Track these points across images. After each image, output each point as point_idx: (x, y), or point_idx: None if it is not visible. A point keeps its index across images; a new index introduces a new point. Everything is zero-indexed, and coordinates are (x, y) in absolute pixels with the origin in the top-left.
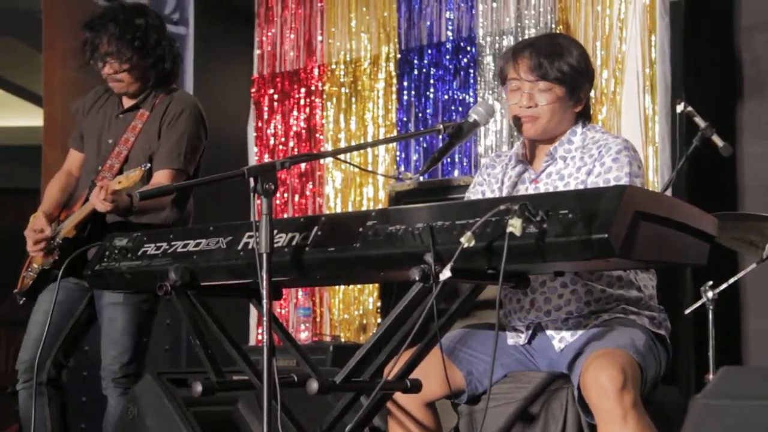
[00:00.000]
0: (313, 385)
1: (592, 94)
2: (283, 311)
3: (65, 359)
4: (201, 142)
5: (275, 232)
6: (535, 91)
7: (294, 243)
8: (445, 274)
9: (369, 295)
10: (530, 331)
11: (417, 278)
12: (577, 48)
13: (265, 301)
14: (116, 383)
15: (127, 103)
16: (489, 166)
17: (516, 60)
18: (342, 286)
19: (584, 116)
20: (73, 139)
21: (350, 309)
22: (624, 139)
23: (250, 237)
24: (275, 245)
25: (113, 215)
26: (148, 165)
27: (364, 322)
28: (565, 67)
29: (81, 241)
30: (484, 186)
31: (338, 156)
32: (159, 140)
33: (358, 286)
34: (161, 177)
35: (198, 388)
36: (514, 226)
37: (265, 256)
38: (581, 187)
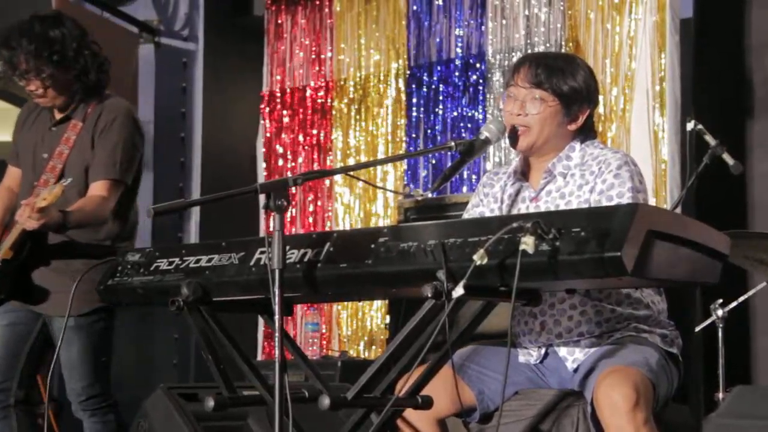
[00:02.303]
0: (325, 401)
1: (601, 110)
2: (298, 326)
3: (29, 379)
4: (137, 150)
5: (287, 248)
6: (528, 99)
7: (306, 259)
8: (458, 291)
9: (377, 311)
10: (542, 351)
11: (429, 295)
12: (584, 71)
13: (277, 317)
14: (83, 406)
15: (59, 114)
16: (486, 185)
17: (518, 69)
18: (350, 302)
19: (584, 135)
20: (10, 155)
21: (358, 324)
22: (623, 153)
23: (262, 253)
24: (287, 261)
25: (54, 233)
26: (69, 180)
27: (372, 337)
28: (564, 86)
29: (21, 261)
30: (481, 207)
31: (349, 173)
32: (93, 150)
33: (367, 301)
34: (97, 189)
35: (210, 403)
36: (527, 243)
37: (277, 272)
38: (584, 205)
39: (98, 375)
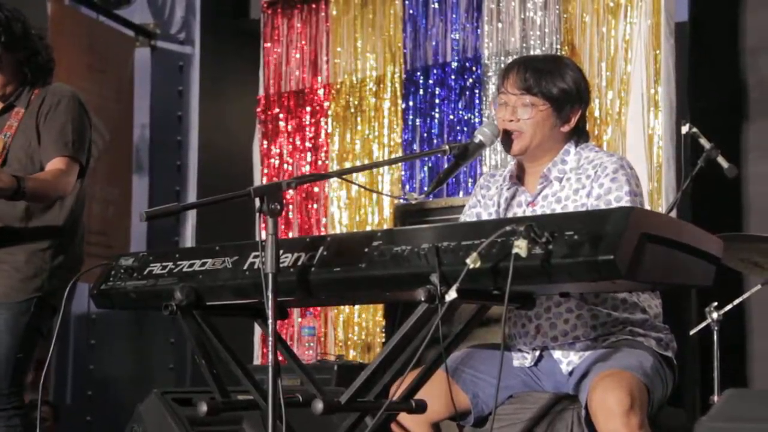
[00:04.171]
0: (318, 405)
1: (596, 114)
2: (295, 330)
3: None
4: (87, 130)
5: (281, 251)
6: (519, 105)
7: (300, 263)
8: (451, 294)
9: (373, 315)
10: (537, 354)
11: (423, 299)
12: (573, 71)
13: (270, 321)
14: None
15: (1, 104)
16: (483, 187)
17: (507, 75)
18: (346, 306)
19: (577, 136)
20: None
21: (354, 328)
22: (619, 157)
23: (255, 257)
24: (281, 265)
25: (8, 200)
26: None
27: (369, 341)
28: (554, 88)
29: None
30: (479, 208)
31: (344, 176)
32: (38, 136)
33: (363, 305)
34: (55, 164)
35: (203, 407)
36: (520, 247)
37: (270, 276)
38: (581, 209)
39: (8, 370)
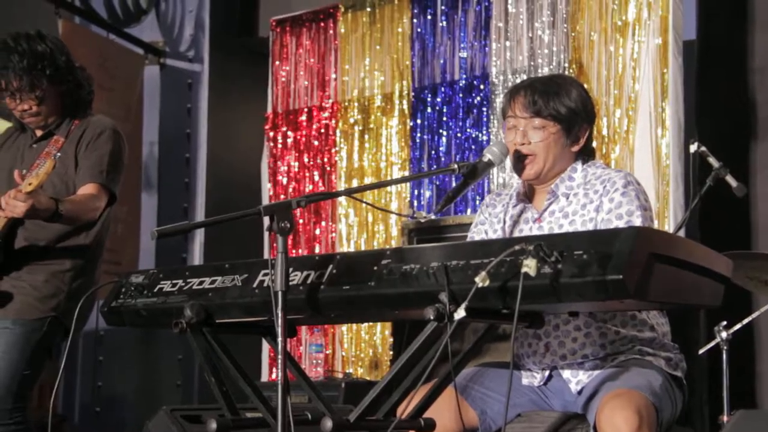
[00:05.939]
0: (328, 424)
1: (604, 132)
2: (301, 348)
3: None
4: (122, 163)
5: (290, 270)
6: (530, 128)
7: (309, 281)
8: (460, 313)
9: (381, 332)
10: (546, 373)
11: (432, 317)
12: (577, 89)
13: (280, 339)
14: None
15: (40, 132)
16: (489, 205)
17: (513, 98)
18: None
19: (585, 154)
20: None
21: (362, 345)
22: (626, 173)
23: (265, 275)
24: (290, 283)
25: (46, 221)
26: (59, 154)
27: (376, 358)
28: (562, 108)
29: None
30: (486, 225)
31: (353, 195)
32: (76, 164)
33: (371, 323)
34: (86, 189)
35: (213, 425)
36: (529, 266)
37: (280, 294)
38: (589, 224)
39: (13, 386)
